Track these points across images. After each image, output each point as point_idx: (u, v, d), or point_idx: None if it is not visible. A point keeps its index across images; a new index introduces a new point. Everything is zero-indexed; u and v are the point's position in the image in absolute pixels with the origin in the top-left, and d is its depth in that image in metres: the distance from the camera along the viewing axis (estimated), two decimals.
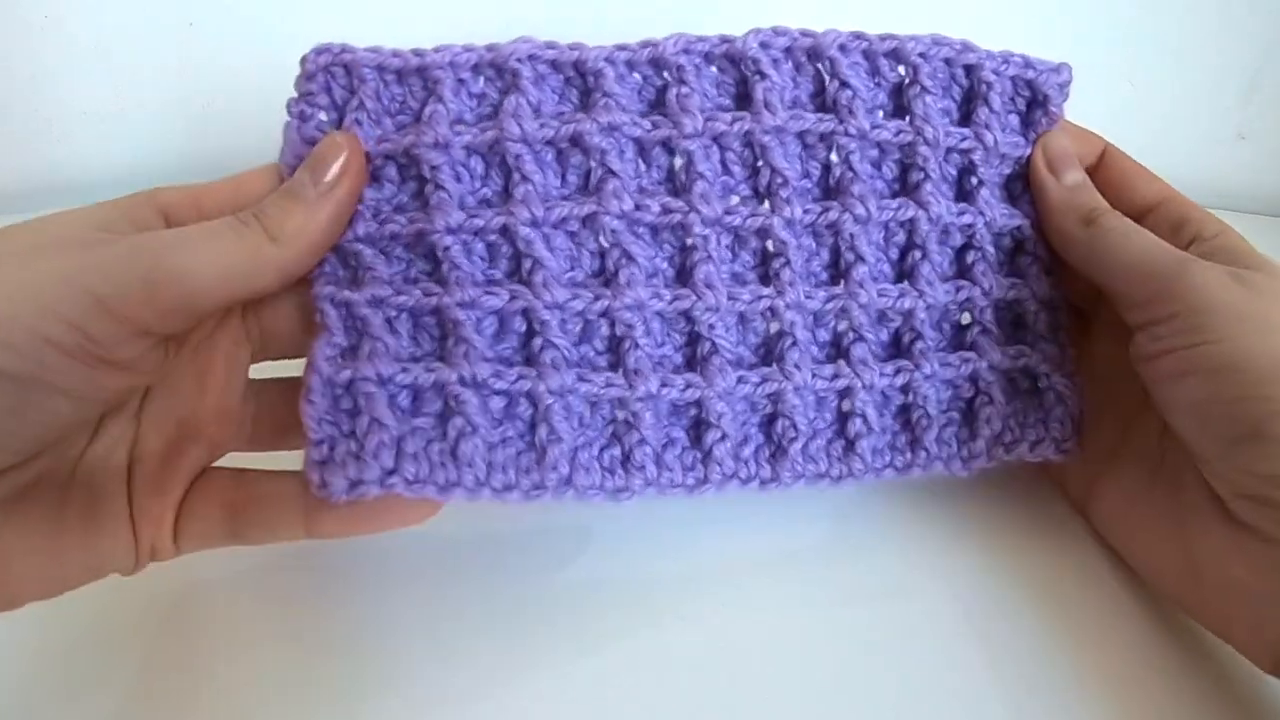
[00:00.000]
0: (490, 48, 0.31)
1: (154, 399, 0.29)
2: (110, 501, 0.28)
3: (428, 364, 0.30)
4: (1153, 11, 0.56)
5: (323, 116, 0.31)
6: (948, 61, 0.33)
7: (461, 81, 0.31)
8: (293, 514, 0.30)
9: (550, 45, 0.31)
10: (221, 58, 0.56)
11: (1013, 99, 0.34)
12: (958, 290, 0.33)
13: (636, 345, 0.31)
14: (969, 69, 0.33)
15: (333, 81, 0.31)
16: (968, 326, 0.34)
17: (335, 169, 0.30)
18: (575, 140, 0.31)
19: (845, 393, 0.33)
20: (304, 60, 0.31)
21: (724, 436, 0.31)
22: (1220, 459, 0.28)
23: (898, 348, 0.34)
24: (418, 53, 0.31)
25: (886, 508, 0.36)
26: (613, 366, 0.31)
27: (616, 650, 0.31)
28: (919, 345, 0.33)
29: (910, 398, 0.33)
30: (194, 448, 0.30)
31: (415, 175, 0.31)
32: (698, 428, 0.32)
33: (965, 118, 0.34)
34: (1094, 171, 0.34)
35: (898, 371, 0.33)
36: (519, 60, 0.31)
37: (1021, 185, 0.34)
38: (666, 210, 0.31)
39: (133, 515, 0.29)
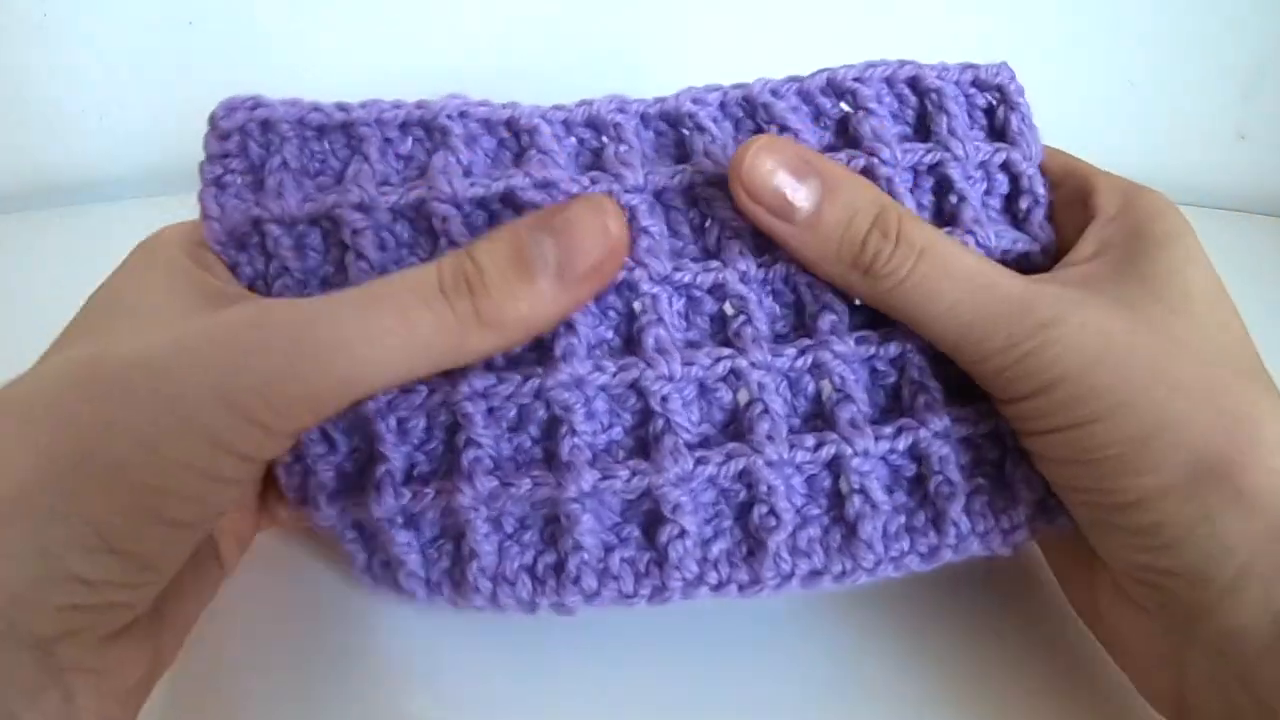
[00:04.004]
0: (420, 104, 0.28)
1: None
2: (208, 547, 0.28)
3: (357, 497, 0.27)
4: (1152, 11, 0.56)
5: (240, 180, 0.28)
6: (888, 81, 0.29)
7: (389, 141, 0.28)
8: None
9: (483, 103, 0.28)
10: (221, 58, 0.56)
11: (969, 113, 0.30)
12: None
13: (574, 431, 0.26)
14: (913, 82, 0.29)
15: (249, 139, 0.28)
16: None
17: (593, 259, 0.24)
18: (507, 199, 0.27)
19: (835, 465, 0.27)
20: (214, 118, 0.28)
21: (682, 533, 0.26)
22: (1088, 533, 0.26)
23: (898, 406, 0.28)
24: (342, 107, 0.28)
25: None
26: (548, 457, 0.27)
27: (623, 663, 0.30)
28: (923, 399, 0.28)
29: (924, 464, 0.28)
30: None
31: (338, 241, 0.28)
32: (652, 524, 0.27)
33: (924, 136, 0.30)
34: None
35: (899, 432, 0.27)
36: (449, 117, 0.28)
37: (1026, 201, 0.29)
38: None
39: (218, 546, 0.28)
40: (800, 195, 0.26)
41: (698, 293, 0.28)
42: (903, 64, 0.29)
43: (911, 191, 0.29)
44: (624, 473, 0.26)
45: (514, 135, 0.29)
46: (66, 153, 0.58)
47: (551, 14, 0.56)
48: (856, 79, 0.29)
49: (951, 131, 0.29)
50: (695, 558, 0.27)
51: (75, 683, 0.22)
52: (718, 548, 0.27)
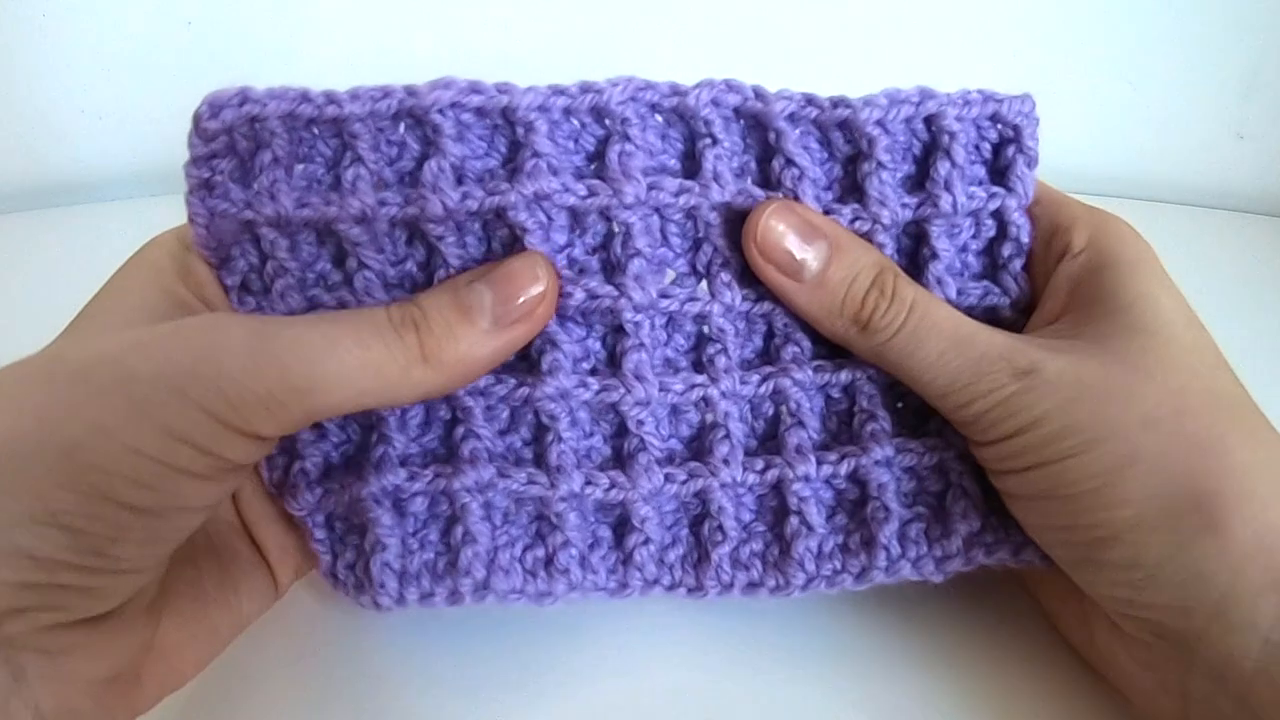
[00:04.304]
0: (410, 91, 0.27)
1: None
2: (237, 555, 0.29)
3: (343, 480, 0.29)
4: (1152, 11, 0.56)
5: (228, 179, 0.27)
6: (907, 120, 0.28)
7: (380, 130, 0.27)
8: None
9: (475, 88, 0.27)
10: (221, 57, 0.56)
11: (977, 145, 0.29)
12: None
13: (560, 439, 0.28)
14: (929, 119, 0.29)
15: (237, 135, 0.27)
16: (928, 408, 0.29)
17: (524, 302, 0.26)
18: (499, 214, 0.27)
19: (779, 487, 0.29)
20: (199, 118, 0.27)
21: (647, 540, 0.29)
22: (1071, 573, 0.27)
23: (849, 432, 0.30)
24: (331, 98, 0.27)
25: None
26: (537, 459, 0.29)
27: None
28: (871, 427, 0.29)
29: (864, 489, 0.29)
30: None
31: (335, 241, 0.28)
32: (622, 527, 0.29)
33: (922, 177, 0.29)
34: None
35: (842, 458, 0.29)
36: (440, 112, 0.26)
37: (1009, 249, 0.29)
38: (593, 296, 0.28)
39: (267, 560, 0.29)
40: (809, 256, 0.28)
41: (681, 317, 0.29)
42: (923, 98, 0.28)
43: (895, 243, 0.29)
44: (604, 481, 0.29)
45: (509, 125, 0.27)
46: (66, 153, 0.58)
47: (555, 15, 0.56)
48: (879, 123, 0.28)
49: (948, 185, 0.28)
50: (654, 560, 0.29)
51: (27, 662, 0.22)
52: (674, 554, 0.30)
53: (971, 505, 0.29)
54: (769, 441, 0.30)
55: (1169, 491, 0.24)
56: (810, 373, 0.29)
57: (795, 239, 0.27)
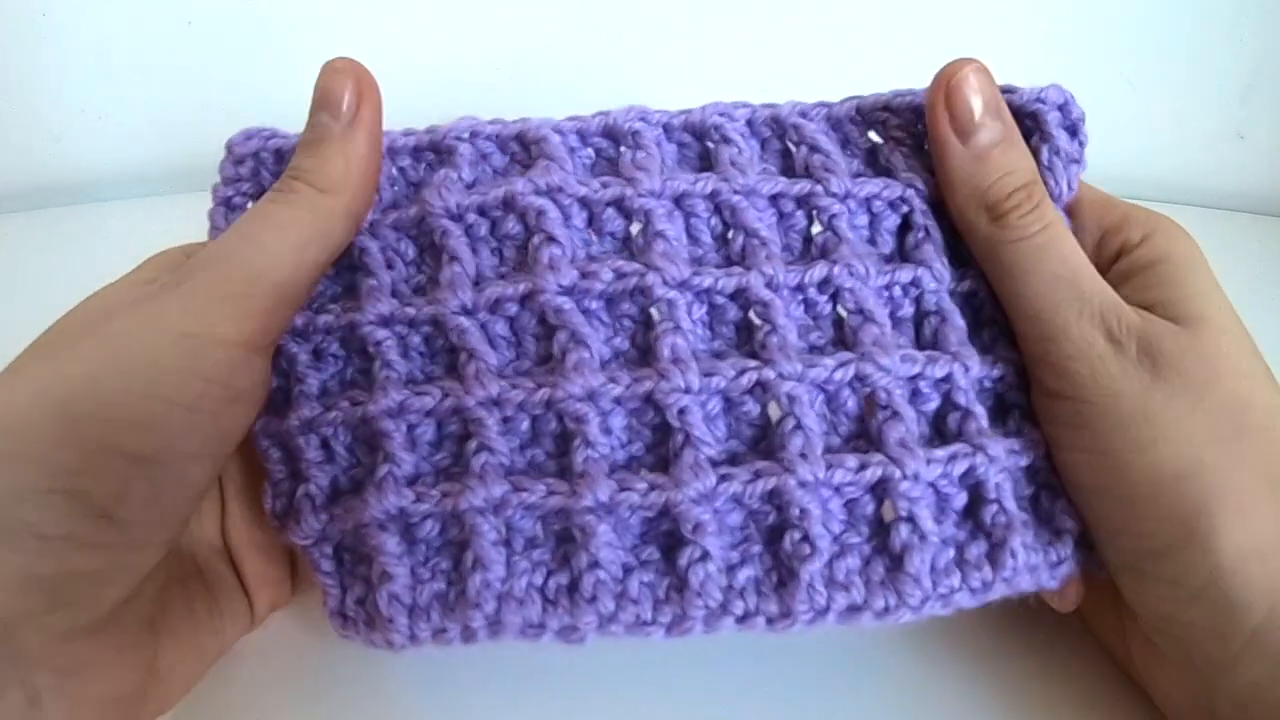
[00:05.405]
0: (430, 130, 0.29)
1: (226, 470, 0.29)
2: (221, 579, 0.29)
3: (348, 505, 0.26)
4: (1153, 11, 0.56)
5: (249, 203, 0.29)
6: (916, 111, 0.28)
7: (401, 170, 0.29)
8: None
9: (494, 121, 0.29)
10: (220, 57, 0.56)
11: None
12: (993, 363, 0.27)
13: (588, 443, 0.25)
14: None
15: (262, 168, 0.29)
16: (1008, 407, 0.27)
17: (348, 97, 0.27)
18: (508, 204, 0.27)
19: (881, 489, 0.25)
20: (230, 145, 0.29)
21: (704, 556, 0.24)
22: (1118, 579, 0.26)
23: (940, 433, 0.26)
24: None
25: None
26: (563, 472, 0.25)
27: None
28: (973, 425, 0.26)
29: (977, 493, 0.25)
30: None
31: (348, 264, 0.28)
32: (673, 546, 0.25)
33: None
34: None
35: (952, 458, 0.25)
36: (457, 138, 0.28)
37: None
38: (620, 275, 0.26)
39: (246, 587, 0.29)
40: (986, 124, 0.27)
41: (720, 299, 0.27)
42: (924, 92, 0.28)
43: (939, 228, 0.28)
44: (641, 485, 0.25)
45: (524, 148, 0.28)
46: (66, 153, 0.58)
47: (555, 16, 0.56)
48: (885, 107, 0.28)
49: None
50: (719, 584, 0.24)
51: (42, 685, 0.21)
52: (744, 575, 0.25)
53: (1068, 504, 0.26)
54: (855, 439, 0.26)
55: (1220, 510, 0.23)
56: (898, 360, 0.26)
57: (984, 103, 0.27)
